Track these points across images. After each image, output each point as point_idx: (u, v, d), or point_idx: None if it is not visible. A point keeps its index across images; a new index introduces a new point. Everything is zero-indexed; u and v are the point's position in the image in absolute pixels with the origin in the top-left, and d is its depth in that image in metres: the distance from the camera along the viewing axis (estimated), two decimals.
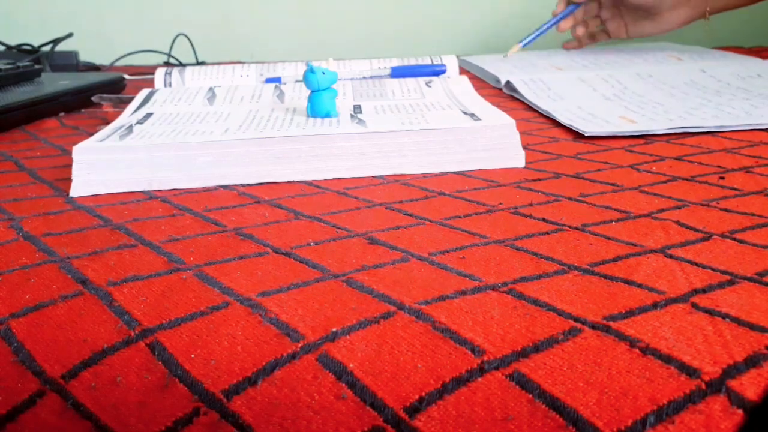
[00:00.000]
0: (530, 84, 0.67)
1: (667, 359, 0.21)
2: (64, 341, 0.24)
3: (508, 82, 0.69)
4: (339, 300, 0.25)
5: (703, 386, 0.20)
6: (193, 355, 0.23)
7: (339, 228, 0.33)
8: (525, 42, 0.78)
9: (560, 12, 0.80)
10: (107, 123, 0.51)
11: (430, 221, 0.34)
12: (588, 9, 0.83)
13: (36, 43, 0.94)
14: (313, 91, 0.47)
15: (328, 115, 0.47)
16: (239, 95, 0.57)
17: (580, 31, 0.81)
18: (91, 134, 0.45)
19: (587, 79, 0.68)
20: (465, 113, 0.48)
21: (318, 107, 0.47)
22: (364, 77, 0.65)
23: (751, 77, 0.66)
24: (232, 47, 1.13)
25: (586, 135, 0.50)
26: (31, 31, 1.02)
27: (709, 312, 0.23)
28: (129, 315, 0.25)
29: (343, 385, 0.21)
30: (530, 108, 0.61)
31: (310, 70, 0.47)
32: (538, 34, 0.78)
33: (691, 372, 0.20)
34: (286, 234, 0.33)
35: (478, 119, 0.45)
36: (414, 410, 0.20)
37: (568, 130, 0.52)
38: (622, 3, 0.80)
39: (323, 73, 0.47)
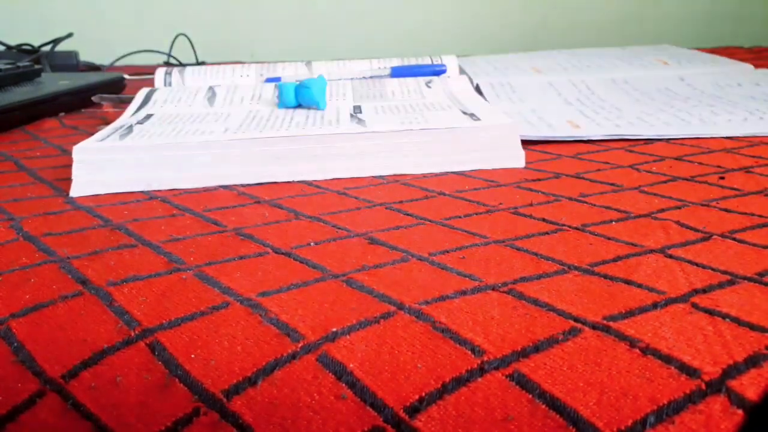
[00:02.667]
0: (497, 87, 0.67)
1: (667, 359, 0.21)
2: (64, 341, 0.24)
3: (477, 85, 0.70)
4: (339, 300, 0.25)
5: (703, 386, 0.20)
6: (193, 355, 0.23)
7: (339, 228, 0.33)
8: None
9: None
10: (107, 123, 0.51)
11: (430, 221, 0.34)
12: None
13: (36, 43, 0.94)
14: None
15: (316, 105, 0.49)
16: (239, 95, 0.57)
17: None
18: (91, 134, 0.45)
19: (556, 83, 0.68)
20: (465, 113, 0.48)
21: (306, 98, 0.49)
22: (364, 77, 0.65)
23: (730, 86, 0.64)
24: (232, 47, 1.13)
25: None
26: (31, 31, 1.02)
27: (710, 312, 0.23)
28: (129, 315, 0.25)
29: (343, 385, 0.21)
30: None
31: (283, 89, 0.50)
32: None
33: (691, 372, 0.20)
34: (286, 234, 0.33)
35: (478, 119, 0.45)
36: (414, 410, 0.20)
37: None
38: None
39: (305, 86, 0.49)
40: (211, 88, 0.59)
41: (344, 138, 0.42)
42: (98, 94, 0.63)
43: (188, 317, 0.25)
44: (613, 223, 0.33)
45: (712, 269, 0.27)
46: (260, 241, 0.32)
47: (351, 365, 0.22)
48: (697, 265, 0.27)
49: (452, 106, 0.51)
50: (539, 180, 0.40)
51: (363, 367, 0.22)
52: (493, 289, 0.26)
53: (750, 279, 0.26)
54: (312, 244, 0.31)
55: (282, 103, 0.52)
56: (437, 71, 0.65)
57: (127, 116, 0.52)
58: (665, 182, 0.39)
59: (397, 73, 0.65)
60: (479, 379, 0.21)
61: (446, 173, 0.42)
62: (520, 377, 0.21)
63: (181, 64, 0.99)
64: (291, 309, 0.25)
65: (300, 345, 0.23)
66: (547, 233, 0.32)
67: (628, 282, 0.26)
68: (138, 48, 1.03)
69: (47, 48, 0.92)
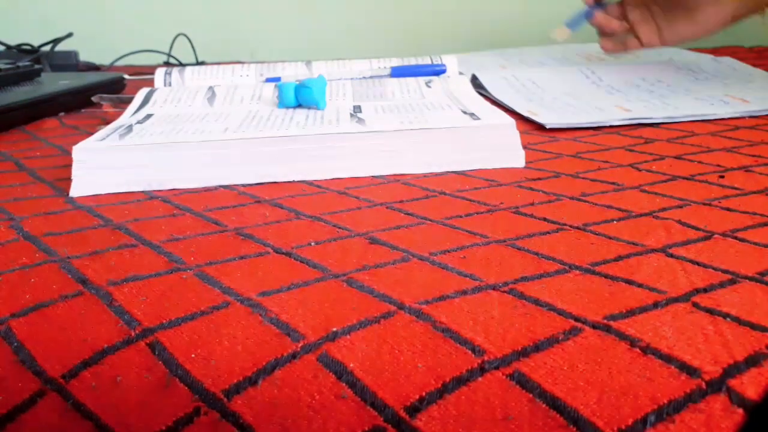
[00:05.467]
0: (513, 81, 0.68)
1: (668, 359, 0.21)
2: (65, 341, 0.24)
3: (474, 77, 0.69)
4: (339, 300, 0.25)
5: (704, 385, 0.20)
6: (193, 355, 0.23)
7: (340, 228, 0.33)
8: (571, 23, 0.62)
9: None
10: (107, 123, 0.50)
11: (430, 221, 0.34)
12: (610, 10, 0.68)
13: (36, 43, 0.94)
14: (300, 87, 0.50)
15: (316, 105, 0.50)
16: (239, 95, 0.57)
17: (609, 44, 0.67)
18: (91, 134, 0.45)
19: (564, 72, 0.69)
20: (465, 113, 0.48)
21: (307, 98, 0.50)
22: (364, 77, 0.65)
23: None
24: (232, 47, 1.13)
25: (546, 127, 0.52)
26: (31, 31, 1.02)
27: (710, 311, 0.23)
28: (129, 315, 0.25)
29: (344, 384, 0.21)
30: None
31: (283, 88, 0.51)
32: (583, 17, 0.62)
33: (691, 371, 0.20)
34: (286, 234, 0.33)
35: (478, 119, 0.45)
36: (414, 410, 0.20)
37: (572, 129, 0.52)
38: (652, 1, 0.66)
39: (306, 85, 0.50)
40: (210, 88, 0.59)
41: (344, 138, 0.42)
42: (98, 94, 0.63)
43: (188, 317, 0.25)
44: (614, 222, 0.33)
45: (713, 268, 0.27)
46: (261, 240, 0.32)
47: (351, 365, 0.22)
48: (698, 264, 0.27)
49: (452, 105, 0.51)
50: (540, 179, 0.40)
51: (363, 367, 0.22)
52: (493, 289, 0.26)
53: (751, 278, 0.26)
54: (312, 243, 0.31)
55: (282, 103, 0.52)
56: (437, 71, 0.65)
57: (126, 116, 0.52)
58: (666, 181, 0.39)
59: (397, 73, 0.65)
60: (479, 379, 0.21)
61: (446, 173, 0.42)
62: (521, 377, 0.21)
63: (181, 64, 0.99)
64: (291, 309, 0.25)
65: (300, 345, 0.23)
66: (548, 233, 0.32)
67: (629, 281, 0.26)
68: (138, 48, 1.03)
69: (47, 48, 0.92)
